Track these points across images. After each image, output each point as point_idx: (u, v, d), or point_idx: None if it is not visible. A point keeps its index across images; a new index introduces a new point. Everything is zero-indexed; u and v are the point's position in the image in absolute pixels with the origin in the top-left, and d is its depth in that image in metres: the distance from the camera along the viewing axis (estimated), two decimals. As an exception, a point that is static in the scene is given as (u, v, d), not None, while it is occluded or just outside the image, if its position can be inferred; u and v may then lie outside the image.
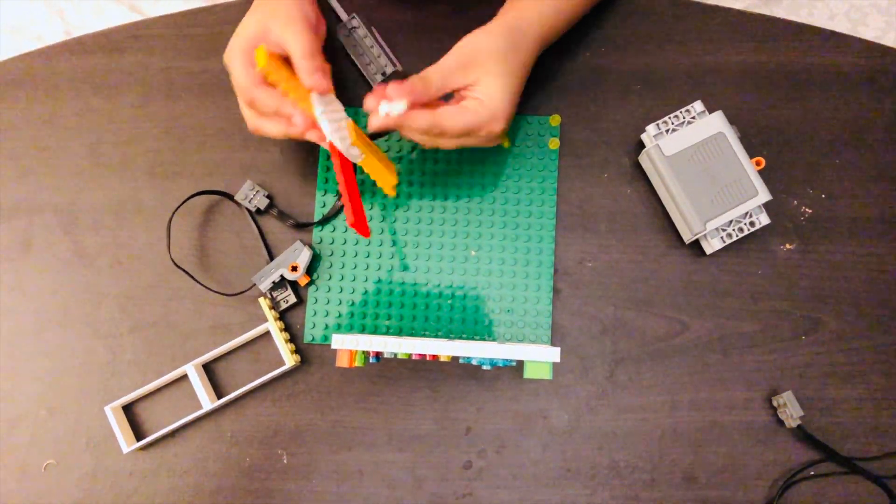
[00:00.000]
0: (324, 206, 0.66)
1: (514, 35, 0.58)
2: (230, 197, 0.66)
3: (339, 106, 0.58)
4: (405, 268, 0.65)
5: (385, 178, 0.61)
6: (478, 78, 0.56)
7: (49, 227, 0.67)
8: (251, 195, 0.65)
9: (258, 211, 0.66)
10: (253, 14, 0.58)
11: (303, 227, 0.66)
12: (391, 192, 0.62)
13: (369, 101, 0.54)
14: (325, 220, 0.66)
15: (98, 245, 0.66)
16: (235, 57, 0.57)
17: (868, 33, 1.38)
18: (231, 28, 0.68)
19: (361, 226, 0.59)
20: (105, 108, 0.68)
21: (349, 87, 0.68)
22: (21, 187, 0.67)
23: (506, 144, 0.66)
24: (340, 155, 0.58)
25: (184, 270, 0.64)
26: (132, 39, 0.69)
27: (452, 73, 0.55)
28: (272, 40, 0.56)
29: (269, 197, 0.65)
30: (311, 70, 0.54)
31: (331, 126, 0.56)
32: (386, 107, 0.54)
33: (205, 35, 0.69)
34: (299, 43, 0.54)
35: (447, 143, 0.57)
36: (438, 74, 0.55)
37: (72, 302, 0.66)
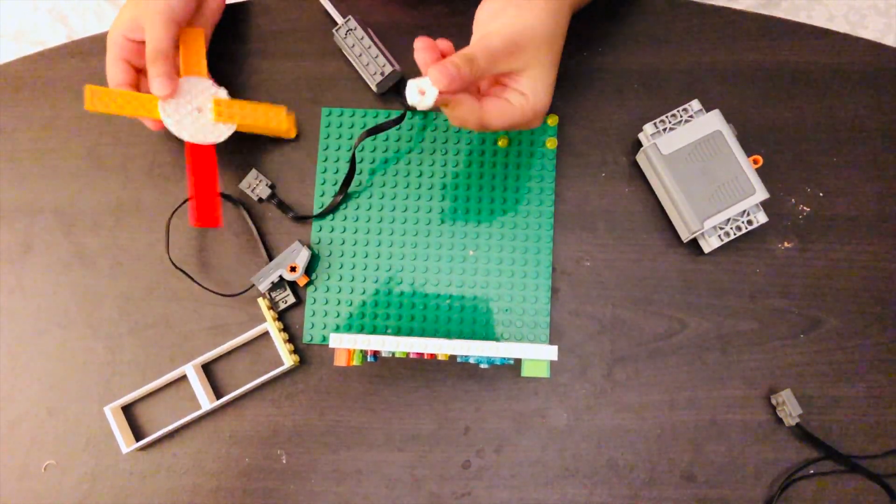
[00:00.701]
0: (322, 206, 0.66)
1: (557, 15, 0.55)
2: (229, 197, 0.66)
3: (196, 89, 0.62)
4: (402, 269, 0.65)
5: (275, 127, 0.64)
6: (525, 65, 0.53)
7: (49, 229, 0.67)
8: (255, 184, 0.65)
9: (259, 200, 0.66)
10: (128, 4, 0.61)
11: (302, 219, 0.66)
12: (291, 134, 0.66)
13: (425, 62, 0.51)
14: (324, 214, 0.66)
15: (98, 246, 0.67)
16: (109, 48, 0.61)
17: (867, 35, 1.38)
18: (227, 30, 0.69)
19: (209, 218, 0.61)
20: (105, 110, 0.69)
21: (348, 89, 0.68)
22: (21, 189, 0.68)
23: (503, 144, 0.66)
24: (191, 146, 0.61)
25: (183, 271, 0.64)
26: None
27: (500, 58, 0.52)
28: (139, 34, 0.60)
29: (271, 187, 0.66)
30: (152, 75, 0.57)
31: (175, 126, 0.61)
32: (415, 91, 0.49)
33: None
34: (150, 43, 0.58)
35: (492, 130, 0.55)
36: (486, 59, 0.51)
37: (71, 303, 0.66)
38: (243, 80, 0.68)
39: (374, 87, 0.66)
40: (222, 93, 0.63)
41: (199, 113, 0.62)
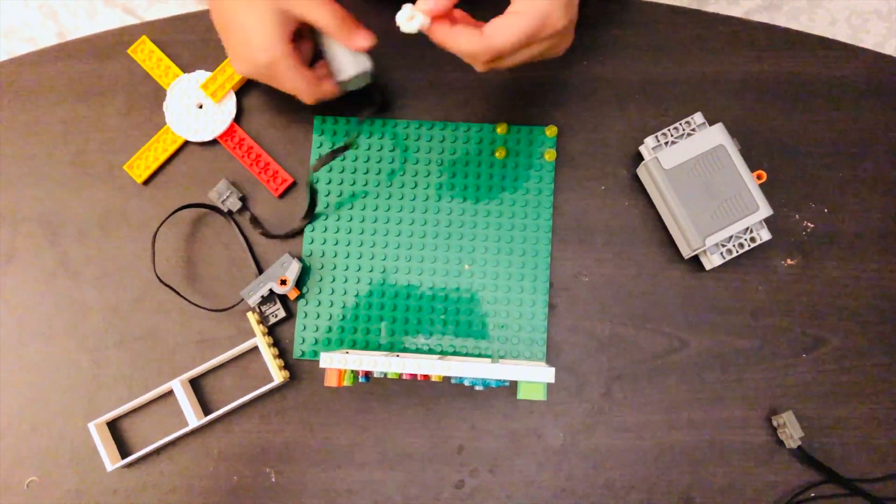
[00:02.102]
0: (313, 229, 0.64)
1: None
2: (218, 210, 0.65)
3: (194, 87, 0.65)
4: (396, 283, 0.63)
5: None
6: None
7: (33, 238, 0.65)
8: (225, 194, 0.64)
9: (229, 213, 0.64)
10: (253, 6, 0.53)
11: (272, 237, 0.64)
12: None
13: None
14: (293, 235, 0.64)
15: (83, 256, 0.65)
16: (272, 49, 0.53)
17: (869, 39, 1.37)
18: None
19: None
20: (91, 116, 0.67)
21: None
22: (4, 197, 0.66)
23: (500, 155, 0.64)
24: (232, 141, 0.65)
25: (170, 287, 0.62)
26: (120, 45, 0.67)
27: None
28: (294, 17, 0.53)
29: (241, 199, 0.64)
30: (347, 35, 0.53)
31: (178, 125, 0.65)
32: (405, 16, 0.46)
33: (193, 42, 0.67)
34: (324, 14, 0.53)
35: (508, 63, 0.48)
36: None
37: (56, 315, 0.64)
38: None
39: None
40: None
41: (200, 109, 0.65)
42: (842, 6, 1.40)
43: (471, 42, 0.46)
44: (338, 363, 0.53)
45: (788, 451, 0.61)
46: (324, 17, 0.53)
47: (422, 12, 0.46)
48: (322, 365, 0.53)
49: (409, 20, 0.47)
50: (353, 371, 0.54)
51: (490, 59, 0.47)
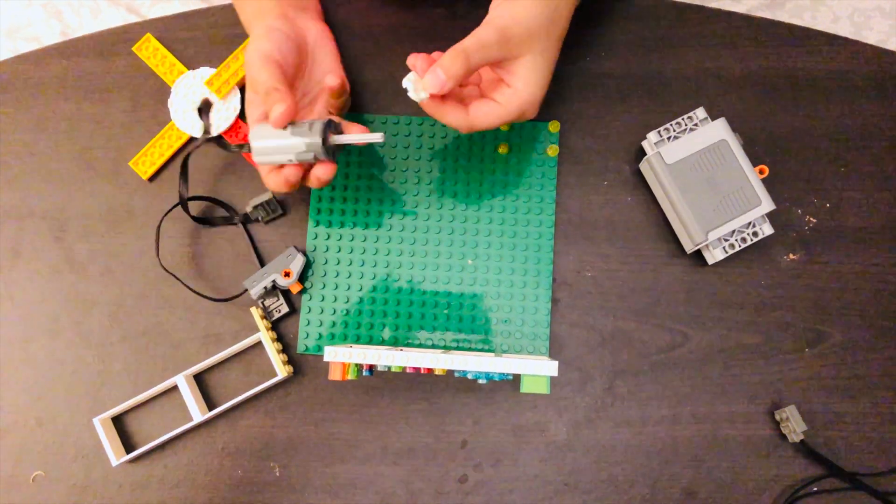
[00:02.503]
0: (317, 216, 0.65)
1: (553, 3, 0.54)
2: (221, 203, 0.65)
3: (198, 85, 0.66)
4: (399, 278, 0.64)
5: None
6: (516, 55, 0.53)
7: (38, 234, 0.66)
8: (259, 204, 0.64)
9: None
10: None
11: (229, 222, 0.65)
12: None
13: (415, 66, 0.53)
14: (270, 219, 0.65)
15: (88, 252, 0.65)
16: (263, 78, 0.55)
17: (872, 36, 1.37)
18: (225, 30, 0.67)
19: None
20: (96, 113, 0.67)
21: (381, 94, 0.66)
22: (10, 193, 0.66)
23: (503, 151, 0.65)
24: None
25: (174, 276, 0.63)
26: (124, 43, 0.68)
27: (491, 48, 0.52)
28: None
29: (271, 210, 0.64)
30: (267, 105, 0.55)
31: (183, 122, 0.65)
32: (412, 85, 0.53)
33: (198, 38, 0.68)
34: (259, 77, 0.55)
35: (475, 118, 0.55)
36: (477, 52, 0.51)
37: (61, 310, 0.65)
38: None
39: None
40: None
41: (205, 105, 0.65)
42: (844, 4, 1.39)
43: (458, 120, 0.54)
44: (342, 357, 0.53)
45: (791, 445, 0.61)
46: (258, 79, 0.55)
47: (424, 90, 0.52)
48: (326, 358, 0.53)
49: (415, 91, 0.53)
50: (357, 365, 0.54)
51: (466, 132, 0.56)
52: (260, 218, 0.64)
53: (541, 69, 0.54)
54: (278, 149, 0.54)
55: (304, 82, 0.61)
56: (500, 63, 0.54)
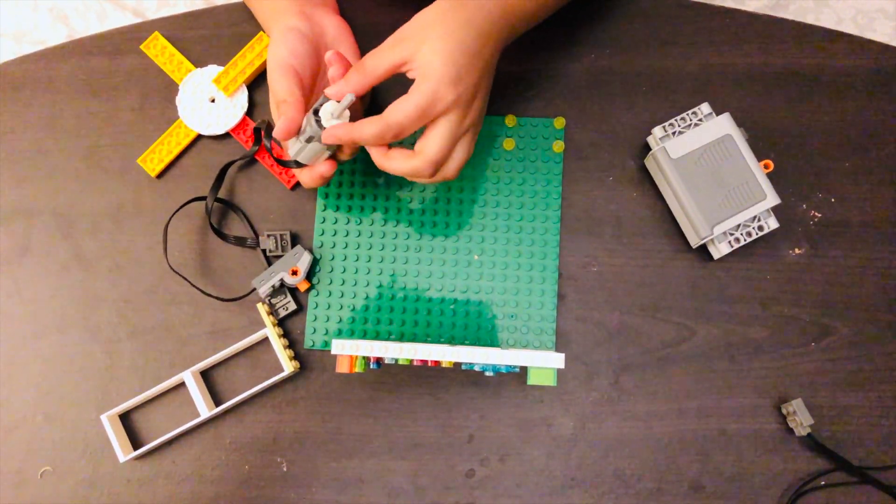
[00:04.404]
0: (323, 220, 0.65)
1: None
2: (228, 203, 0.65)
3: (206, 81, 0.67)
4: (405, 273, 0.64)
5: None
6: (414, 49, 0.52)
7: (47, 231, 0.66)
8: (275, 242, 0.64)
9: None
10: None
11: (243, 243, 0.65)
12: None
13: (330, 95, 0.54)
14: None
15: (96, 249, 0.66)
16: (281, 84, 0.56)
17: (875, 38, 1.37)
18: (232, 29, 0.68)
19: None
20: (104, 111, 0.68)
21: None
22: (19, 191, 0.67)
23: (509, 146, 0.65)
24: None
25: (181, 276, 0.63)
26: (132, 41, 0.68)
27: (385, 50, 0.52)
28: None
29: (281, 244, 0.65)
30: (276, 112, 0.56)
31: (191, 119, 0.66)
32: (327, 115, 0.53)
33: (204, 37, 0.68)
34: (275, 86, 0.56)
35: (449, 170, 0.55)
36: (371, 58, 0.53)
37: (70, 307, 0.65)
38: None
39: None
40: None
41: (213, 103, 0.66)
42: (848, 5, 1.40)
43: (372, 125, 0.52)
44: (349, 349, 0.53)
45: (798, 438, 0.61)
46: (273, 88, 0.57)
47: (328, 96, 0.53)
48: (334, 351, 0.54)
49: (325, 119, 0.54)
50: (364, 357, 0.55)
51: (393, 137, 0.53)
52: (269, 249, 0.64)
53: (442, 50, 0.51)
54: (307, 148, 0.56)
55: (325, 80, 0.61)
56: (406, 63, 0.52)
